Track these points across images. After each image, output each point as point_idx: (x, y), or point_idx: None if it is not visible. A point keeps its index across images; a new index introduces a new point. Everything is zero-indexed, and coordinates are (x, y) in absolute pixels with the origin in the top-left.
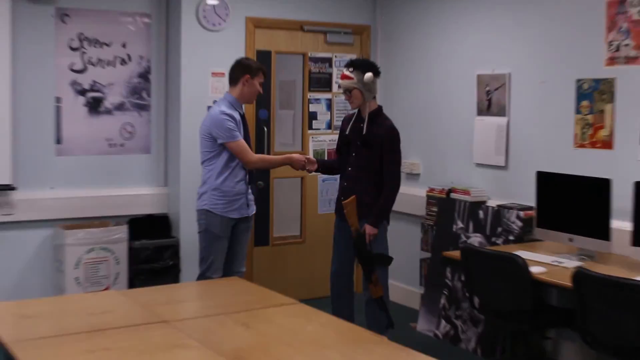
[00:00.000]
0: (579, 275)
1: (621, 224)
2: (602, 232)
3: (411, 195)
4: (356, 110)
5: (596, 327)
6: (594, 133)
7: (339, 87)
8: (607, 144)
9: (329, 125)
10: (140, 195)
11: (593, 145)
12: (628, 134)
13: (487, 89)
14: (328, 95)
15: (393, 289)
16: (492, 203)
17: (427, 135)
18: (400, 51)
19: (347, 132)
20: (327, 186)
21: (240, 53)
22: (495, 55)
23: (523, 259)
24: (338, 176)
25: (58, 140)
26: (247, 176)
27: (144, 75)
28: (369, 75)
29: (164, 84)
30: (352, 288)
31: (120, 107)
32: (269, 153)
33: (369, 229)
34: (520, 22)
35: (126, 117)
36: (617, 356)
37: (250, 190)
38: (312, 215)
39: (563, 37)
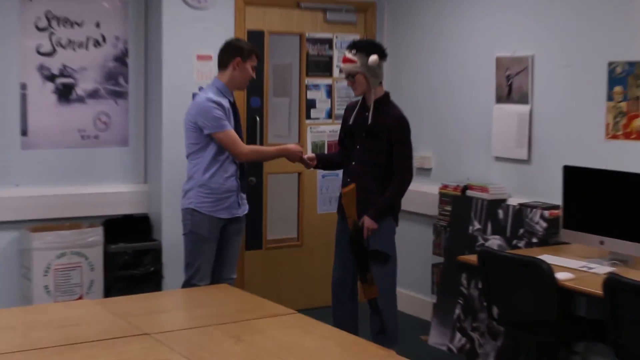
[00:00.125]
0: (611, 282)
1: None
2: (637, 234)
3: (422, 192)
4: (360, 98)
5: (630, 341)
6: (628, 123)
7: (341, 71)
8: None
9: (329, 115)
10: (117, 193)
11: (627, 136)
12: None
13: (508, 73)
14: (328, 81)
15: (401, 297)
16: (513, 201)
17: (440, 126)
18: (409, 31)
19: (350, 122)
20: (328, 182)
21: (229, 34)
22: (516, 35)
23: (548, 264)
24: (340, 171)
25: (24, 132)
26: (239, 171)
27: (121, 59)
28: (374, 58)
29: (143, 69)
30: (356, 296)
31: (94, 94)
32: (261, 145)
33: (368, 222)
34: None
35: (101, 105)
36: None
37: (241, 188)
38: (311, 215)
39: (593, 15)
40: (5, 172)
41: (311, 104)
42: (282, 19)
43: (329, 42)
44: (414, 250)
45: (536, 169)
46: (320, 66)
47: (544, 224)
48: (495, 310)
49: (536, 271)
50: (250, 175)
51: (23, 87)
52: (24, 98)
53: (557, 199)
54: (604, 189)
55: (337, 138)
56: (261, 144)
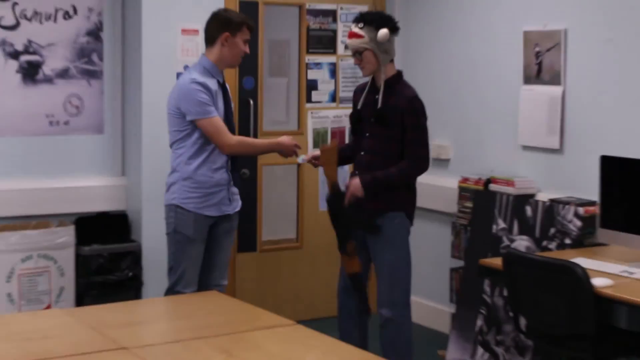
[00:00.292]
0: None
1: None
2: None
3: (439, 187)
4: (370, 79)
5: None
6: None
7: (346, 48)
8: None
9: (333, 98)
10: (90, 187)
11: None
12: None
13: (537, 50)
14: (332, 59)
15: (416, 307)
16: (543, 197)
17: (459, 111)
18: (424, 1)
19: (358, 107)
20: None
21: (218, 4)
22: (547, 6)
23: (583, 269)
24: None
25: None
26: (229, 162)
27: (94, 33)
28: (384, 32)
29: (120, 45)
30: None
31: (63, 74)
32: (255, 133)
33: (354, 187)
34: None
35: (72, 87)
36: None
37: (232, 181)
38: (312, 212)
39: None
40: None
41: (312, 86)
42: None
43: (332, 14)
44: (429, 253)
45: (569, 159)
46: (323, 42)
47: (579, 223)
48: (522, 322)
49: (569, 277)
50: (243, 167)
51: None
52: None
53: (593, 193)
54: None
55: (341, 124)
56: (255, 131)
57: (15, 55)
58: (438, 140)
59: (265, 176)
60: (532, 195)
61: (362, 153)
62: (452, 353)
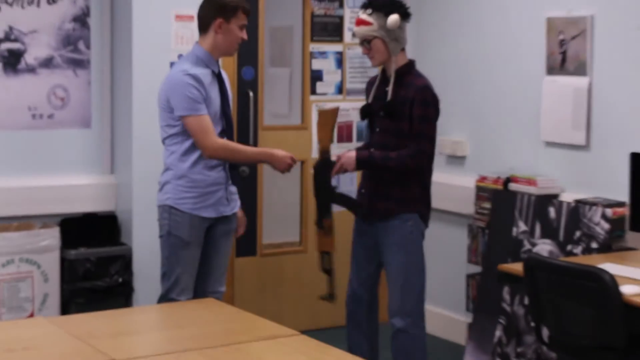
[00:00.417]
0: None
1: None
2: None
3: (454, 186)
4: (380, 69)
5: None
6: None
7: (354, 36)
8: None
9: (340, 89)
10: (76, 186)
11: None
12: None
13: (561, 37)
14: (338, 47)
15: (430, 316)
16: (568, 197)
17: (477, 104)
18: None
19: (370, 100)
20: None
21: None
22: None
23: (611, 275)
24: None
25: None
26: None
27: (81, 19)
28: (394, 18)
29: (108, 32)
30: (375, 315)
31: (47, 63)
32: (255, 127)
33: (346, 160)
34: None
35: (56, 77)
36: None
37: (231, 179)
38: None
39: None
40: None
41: (317, 76)
42: None
43: None
44: (444, 257)
45: (596, 156)
46: (329, 29)
47: (606, 225)
48: (545, 332)
49: (596, 284)
50: (242, 165)
51: None
52: None
53: (622, 194)
54: None
55: (349, 119)
56: (255, 125)
57: None
58: (453, 136)
59: (266, 175)
60: (555, 196)
61: (372, 149)
62: None
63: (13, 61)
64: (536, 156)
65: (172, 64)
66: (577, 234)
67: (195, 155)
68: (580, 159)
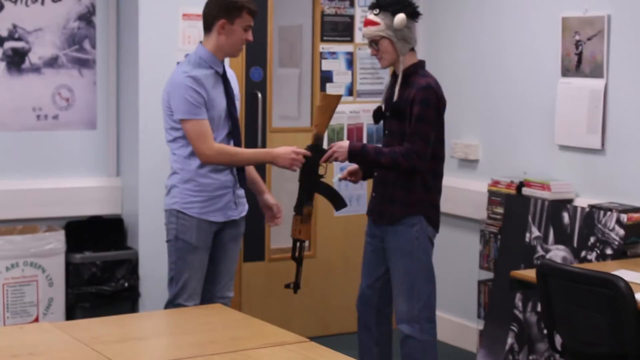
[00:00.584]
0: None
1: None
2: None
3: (466, 190)
4: (392, 71)
5: None
6: None
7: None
8: None
9: (350, 91)
10: (82, 188)
11: None
12: None
13: (577, 38)
14: (349, 48)
15: (440, 323)
16: (582, 202)
17: (489, 106)
18: None
19: (382, 103)
20: None
21: None
22: None
23: (626, 282)
24: None
25: None
26: None
27: (86, 17)
28: (400, 17)
29: (114, 30)
30: (386, 320)
31: (52, 62)
32: (263, 129)
33: (339, 150)
34: None
35: (61, 77)
36: None
37: (239, 182)
38: (327, 218)
39: None
40: None
41: (327, 77)
42: None
43: None
44: (455, 263)
45: (612, 160)
46: (339, 29)
47: (621, 231)
48: (558, 340)
49: (611, 291)
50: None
51: None
52: None
53: (637, 199)
54: None
55: (359, 121)
56: (263, 127)
57: None
58: (465, 139)
59: (274, 178)
60: (569, 201)
61: (366, 143)
62: None
63: (17, 60)
64: (550, 160)
65: (178, 64)
66: (592, 239)
67: None
68: (596, 163)
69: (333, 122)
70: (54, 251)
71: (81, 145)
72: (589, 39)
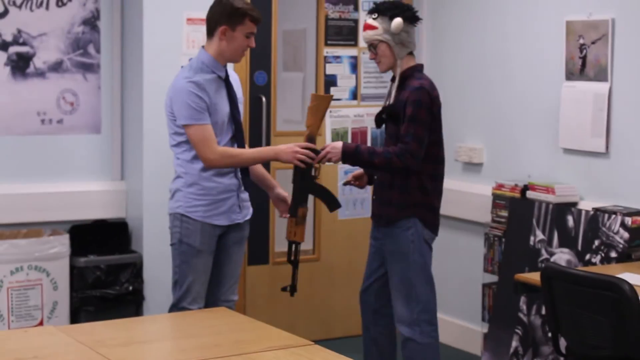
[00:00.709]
0: None
1: None
2: None
3: (470, 194)
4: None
5: None
6: None
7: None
8: None
9: (354, 95)
10: (86, 192)
11: None
12: None
13: (581, 42)
14: (353, 52)
15: (444, 326)
16: (587, 205)
17: (493, 109)
18: None
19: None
20: None
21: None
22: None
23: (631, 286)
24: None
25: None
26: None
27: (91, 22)
28: (397, 21)
29: (119, 35)
30: (386, 321)
31: (57, 67)
32: (268, 133)
33: (332, 150)
34: None
35: (66, 81)
36: None
37: (243, 186)
38: (330, 221)
39: None
40: None
41: (331, 81)
42: None
43: (354, 2)
44: (459, 266)
45: (616, 164)
46: (343, 33)
47: (626, 234)
48: (562, 343)
49: (615, 294)
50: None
51: None
52: None
53: None
54: None
55: (363, 125)
56: (267, 131)
57: (3, 46)
58: (469, 143)
59: (279, 181)
60: (574, 204)
61: (360, 143)
62: None
63: (22, 65)
64: (554, 163)
65: (182, 68)
66: (596, 243)
67: None
68: (600, 166)
69: (337, 126)
70: (58, 255)
71: (85, 150)
72: (593, 43)
